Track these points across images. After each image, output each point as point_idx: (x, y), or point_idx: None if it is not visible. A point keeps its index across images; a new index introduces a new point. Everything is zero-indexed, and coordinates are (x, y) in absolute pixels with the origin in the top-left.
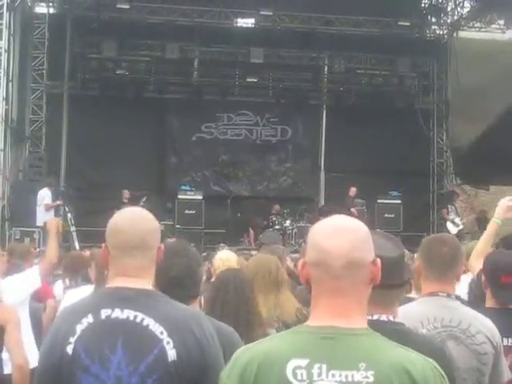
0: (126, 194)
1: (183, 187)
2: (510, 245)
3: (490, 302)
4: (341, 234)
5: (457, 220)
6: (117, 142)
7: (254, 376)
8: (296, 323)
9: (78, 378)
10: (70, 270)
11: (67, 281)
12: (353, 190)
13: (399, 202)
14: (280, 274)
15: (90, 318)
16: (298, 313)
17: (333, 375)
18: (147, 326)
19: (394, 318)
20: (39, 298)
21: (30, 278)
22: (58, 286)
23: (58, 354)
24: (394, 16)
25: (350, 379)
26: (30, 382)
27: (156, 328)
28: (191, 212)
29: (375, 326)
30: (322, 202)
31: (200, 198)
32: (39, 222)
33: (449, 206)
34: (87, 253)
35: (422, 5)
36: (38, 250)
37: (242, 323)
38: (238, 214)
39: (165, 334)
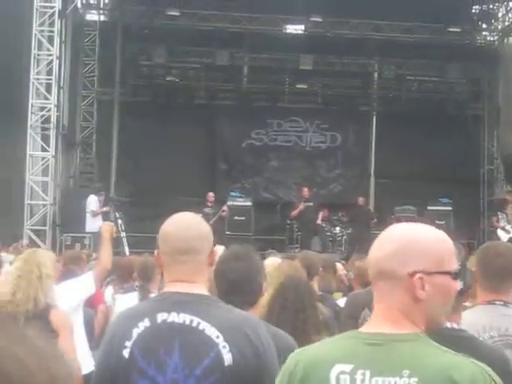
0: (211, 197)
1: (233, 193)
2: None
3: None
4: (381, 244)
5: (508, 227)
6: (167, 148)
7: (300, 379)
8: None
9: (134, 381)
10: (124, 276)
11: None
12: (360, 200)
13: (450, 208)
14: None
15: (146, 322)
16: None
17: (376, 381)
18: (203, 330)
19: (457, 325)
20: (91, 303)
21: (84, 284)
22: (109, 292)
23: (115, 358)
24: (444, 22)
25: None
26: None
27: (212, 332)
28: (241, 218)
29: (439, 332)
30: (372, 208)
31: (250, 204)
32: (88, 229)
33: (499, 214)
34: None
35: (473, 11)
36: (93, 255)
37: (298, 330)
38: (287, 221)
39: (221, 338)
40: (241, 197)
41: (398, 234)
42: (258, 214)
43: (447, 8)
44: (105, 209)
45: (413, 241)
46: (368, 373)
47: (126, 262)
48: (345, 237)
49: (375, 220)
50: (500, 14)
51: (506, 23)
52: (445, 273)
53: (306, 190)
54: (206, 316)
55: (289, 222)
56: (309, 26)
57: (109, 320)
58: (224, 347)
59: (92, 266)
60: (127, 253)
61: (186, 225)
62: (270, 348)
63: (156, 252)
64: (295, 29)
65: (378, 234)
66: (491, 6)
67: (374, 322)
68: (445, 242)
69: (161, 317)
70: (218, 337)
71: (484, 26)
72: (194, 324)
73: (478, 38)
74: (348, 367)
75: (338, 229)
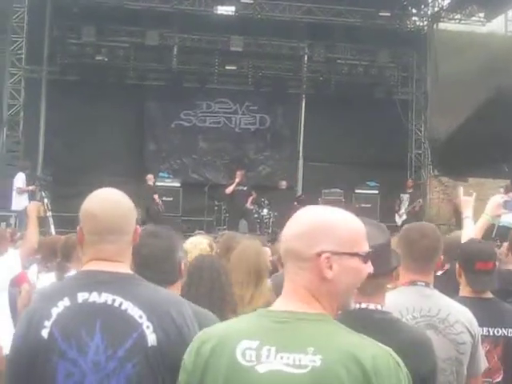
0: (151, 178)
1: (161, 174)
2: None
3: (464, 291)
4: (290, 224)
5: (402, 210)
6: (95, 127)
7: (208, 354)
8: None
9: (53, 363)
10: (48, 255)
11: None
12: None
13: (376, 192)
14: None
15: (66, 302)
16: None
17: (281, 357)
18: (126, 309)
19: (381, 306)
20: (15, 282)
21: (10, 264)
22: (33, 271)
23: (33, 338)
24: (375, 6)
25: (297, 362)
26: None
27: (135, 312)
28: (169, 199)
29: (362, 314)
30: (300, 191)
31: (178, 185)
32: (14, 207)
33: (401, 196)
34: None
35: None
36: (18, 234)
37: (214, 309)
38: (215, 202)
39: (144, 317)
40: (169, 177)
41: (306, 215)
42: (186, 195)
43: None
44: (30, 187)
45: (321, 222)
46: (273, 349)
47: (49, 240)
48: (272, 219)
49: (295, 203)
50: (430, 0)
51: (436, 9)
52: (354, 254)
53: (239, 173)
54: (129, 295)
55: (217, 203)
56: (239, 8)
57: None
58: (148, 327)
59: (19, 245)
60: (53, 232)
61: (111, 203)
62: (194, 328)
63: (78, 228)
64: (226, 10)
65: None
66: None
67: (283, 301)
68: (355, 224)
69: (81, 296)
70: (141, 317)
71: (414, 11)
72: (117, 304)
73: (407, 22)
74: (254, 343)
75: (265, 211)
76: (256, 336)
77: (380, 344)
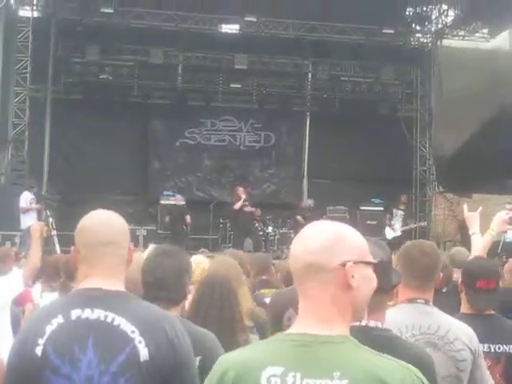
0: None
1: (166, 192)
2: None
3: (465, 307)
4: (303, 240)
5: (396, 226)
6: (100, 146)
7: (232, 383)
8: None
9: (47, 379)
10: (52, 274)
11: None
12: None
13: (381, 209)
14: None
15: (59, 319)
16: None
17: (307, 383)
18: (118, 325)
19: (381, 324)
20: (18, 301)
21: (12, 283)
22: (37, 290)
23: (27, 355)
24: (378, 24)
25: None
26: None
27: (127, 327)
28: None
29: (363, 331)
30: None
31: (183, 203)
32: (22, 226)
33: (394, 211)
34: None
35: (407, 13)
36: (23, 253)
37: (225, 329)
38: (221, 220)
39: (136, 332)
40: (174, 195)
41: (319, 229)
42: (191, 213)
43: (381, 9)
44: (34, 206)
45: (335, 234)
46: (299, 375)
47: (53, 259)
48: (277, 236)
49: (301, 220)
50: (433, 16)
51: (439, 26)
52: (368, 263)
53: (241, 189)
54: (122, 311)
55: (222, 221)
56: (243, 26)
57: None
58: (140, 342)
59: (22, 264)
60: (58, 251)
61: (106, 219)
62: (186, 342)
63: (73, 249)
64: (230, 28)
65: None
66: (425, 9)
67: (302, 322)
68: (362, 237)
69: (75, 313)
70: (133, 332)
71: (418, 27)
72: (109, 319)
73: (411, 39)
74: (279, 370)
75: (270, 228)
76: (280, 362)
77: (405, 364)
